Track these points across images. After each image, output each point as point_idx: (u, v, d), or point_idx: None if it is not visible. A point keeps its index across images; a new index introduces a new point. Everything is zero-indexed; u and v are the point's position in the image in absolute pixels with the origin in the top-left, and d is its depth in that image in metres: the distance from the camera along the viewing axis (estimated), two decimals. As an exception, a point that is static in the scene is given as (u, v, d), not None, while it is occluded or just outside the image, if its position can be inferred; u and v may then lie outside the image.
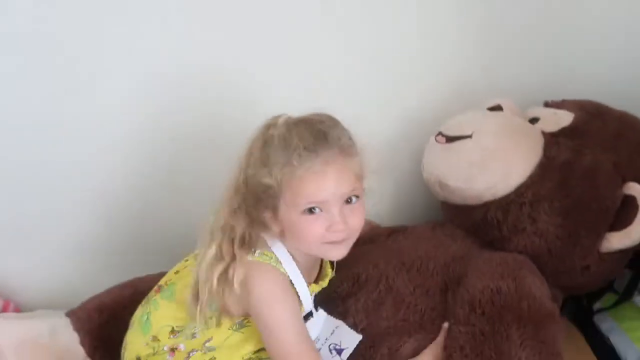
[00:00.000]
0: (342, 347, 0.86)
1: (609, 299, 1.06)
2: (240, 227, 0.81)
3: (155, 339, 0.86)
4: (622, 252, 0.92)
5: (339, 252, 0.81)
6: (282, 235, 0.83)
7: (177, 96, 1.09)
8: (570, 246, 0.91)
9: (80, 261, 1.18)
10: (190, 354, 0.84)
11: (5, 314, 1.07)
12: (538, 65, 1.17)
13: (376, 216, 1.21)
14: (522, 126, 0.99)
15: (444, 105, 1.14)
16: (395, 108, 1.18)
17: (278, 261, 0.82)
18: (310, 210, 0.77)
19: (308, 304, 0.85)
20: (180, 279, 0.88)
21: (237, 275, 0.80)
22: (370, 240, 1.07)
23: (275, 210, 0.80)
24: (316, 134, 0.77)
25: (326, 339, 0.87)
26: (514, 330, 0.80)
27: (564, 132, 0.97)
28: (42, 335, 0.97)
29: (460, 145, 0.97)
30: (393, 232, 1.07)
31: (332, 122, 0.80)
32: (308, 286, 0.85)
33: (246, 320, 0.84)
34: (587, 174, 0.92)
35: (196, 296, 0.81)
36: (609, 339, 1.02)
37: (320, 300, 0.91)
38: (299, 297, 0.83)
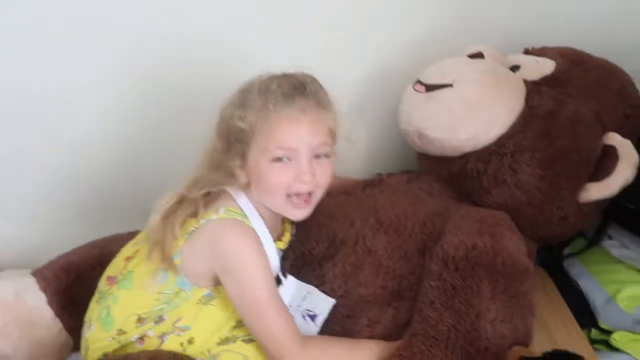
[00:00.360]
0: (315, 312, 0.85)
1: (578, 244, 1.09)
2: (205, 182, 0.80)
3: (120, 332, 0.82)
4: (598, 202, 0.93)
5: (301, 212, 0.81)
6: (247, 188, 0.81)
7: (160, 63, 1.06)
8: (550, 197, 0.91)
9: (50, 221, 1.15)
10: (163, 338, 0.81)
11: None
12: (516, 10, 1.13)
13: (350, 166, 1.19)
14: (504, 75, 0.96)
15: (419, 53, 1.10)
16: (368, 55, 1.14)
17: (245, 216, 0.80)
18: (280, 158, 0.78)
19: (275, 261, 0.83)
20: (137, 266, 0.84)
21: (202, 233, 0.78)
22: (345, 192, 1.04)
23: (244, 157, 0.79)
24: (295, 84, 0.79)
25: (299, 306, 0.85)
26: (485, 284, 0.80)
27: (545, 81, 0.95)
28: (8, 295, 0.93)
29: (441, 94, 0.94)
30: (367, 186, 1.04)
31: (313, 79, 0.80)
32: (274, 242, 0.84)
33: (215, 289, 0.82)
34: (570, 124, 0.90)
35: (161, 251, 0.79)
36: (577, 283, 1.05)
37: (295, 264, 0.90)
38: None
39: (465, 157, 0.94)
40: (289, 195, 0.80)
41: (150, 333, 0.82)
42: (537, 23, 1.13)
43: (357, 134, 1.19)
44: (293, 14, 1.08)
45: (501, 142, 0.92)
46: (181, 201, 0.81)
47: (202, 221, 0.79)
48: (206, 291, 0.81)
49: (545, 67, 0.97)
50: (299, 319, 0.84)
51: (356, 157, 1.21)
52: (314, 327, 0.84)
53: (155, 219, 0.80)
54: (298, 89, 0.78)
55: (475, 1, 1.12)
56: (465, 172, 0.95)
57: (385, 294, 0.85)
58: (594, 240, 1.07)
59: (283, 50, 1.10)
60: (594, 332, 1.01)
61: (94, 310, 0.86)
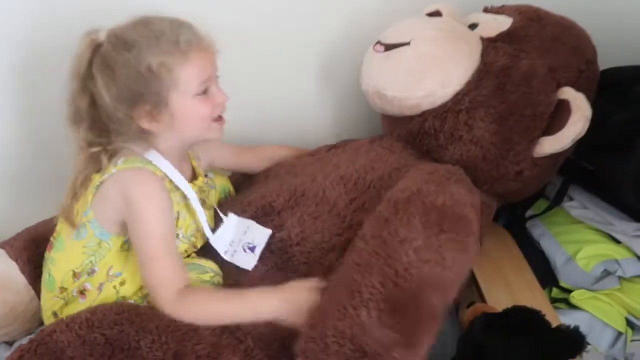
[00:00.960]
0: (254, 244, 0.88)
1: (540, 205, 1.09)
2: (113, 145, 0.82)
3: (62, 289, 0.86)
4: (554, 157, 0.93)
5: (221, 130, 0.87)
6: (156, 140, 0.83)
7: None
8: (504, 152, 0.91)
9: (9, 196, 1.14)
10: (101, 289, 0.84)
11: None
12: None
13: (318, 132, 1.19)
14: (461, 32, 0.96)
15: (385, 14, 1.08)
16: (334, 19, 1.13)
17: (145, 161, 0.82)
18: (204, 91, 0.82)
19: (190, 193, 0.86)
20: (63, 227, 0.87)
21: (106, 186, 0.81)
22: (310, 154, 1.05)
23: (156, 107, 0.80)
24: (172, 20, 0.81)
25: (240, 240, 0.88)
26: (417, 218, 0.77)
27: (502, 37, 0.95)
28: None
29: (398, 53, 0.94)
30: (332, 148, 1.05)
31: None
32: (188, 182, 0.87)
33: None
34: (523, 79, 0.90)
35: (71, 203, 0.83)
36: (539, 243, 1.06)
37: (256, 215, 0.91)
38: (178, 189, 0.84)
39: (423, 115, 0.95)
40: (214, 119, 0.85)
41: (88, 286, 0.85)
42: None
43: (324, 97, 1.20)
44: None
45: (457, 99, 0.92)
46: (87, 162, 0.83)
47: (105, 176, 0.82)
48: (125, 238, 0.84)
49: (502, 24, 0.97)
50: (240, 252, 0.88)
51: (324, 123, 1.21)
52: (253, 258, 0.87)
53: (69, 181, 0.84)
54: (181, 23, 0.81)
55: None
56: (424, 130, 0.95)
57: (342, 242, 0.85)
58: (555, 201, 1.07)
59: (247, 12, 1.10)
60: (555, 291, 1.02)
61: (43, 277, 0.90)
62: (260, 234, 0.88)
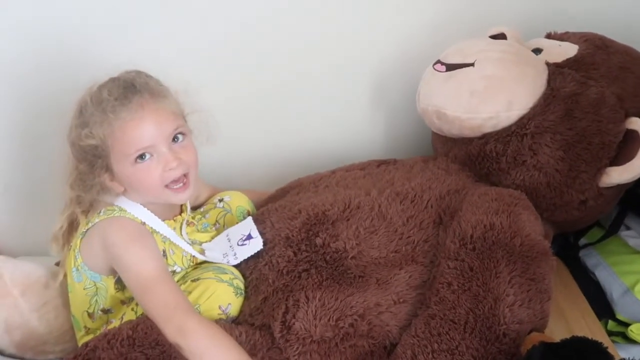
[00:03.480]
0: (246, 234, 0.89)
1: (595, 233, 1.07)
2: (81, 197, 0.83)
3: (87, 328, 0.87)
4: (619, 188, 0.92)
5: (184, 195, 0.84)
6: (126, 193, 0.84)
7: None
8: (570, 180, 0.90)
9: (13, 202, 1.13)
10: (122, 318, 0.84)
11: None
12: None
13: (368, 147, 1.18)
14: (526, 55, 0.95)
15: (438, 36, 1.09)
16: (386, 39, 1.13)
17: (122, 210, 0.83)
18: (141, 157, 0.80)
19: (167, 231, 0.86)
20: (67, 268, 0.88)
21: (91, 234, 0.82)
22: (360, 168, 1.04)
23: (110, 170, 0.81)
24: (124, 85, 0.80)
25: (231, 247, 0.89)
26: (503, 267, 0.80)
27: (568, 63, 0.94)
28: (43, 277, 0.94)
29: (462, 73, 0.93)
30: (382, 164, 1.04)
31: (138, 72, 0.83)
32: (165, 221, 0.86)
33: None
34: (592, 107, 0.89)
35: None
36: (594, 273, 1.03)
37: (308, 222, 0.89)
38: (158, 232, 0.85)
39: (484, 137, 0.93)
40: (166, 186, 0.82)
41: (112, 321, 0.85)
42: (558, 8, 1.11)
43: (376, 116, 1.19)
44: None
45: (522, 123, 0.91)
46: (72, 222, 0.86)
47: (90, 224, 0.83)
48: (115, 278, 0.84)
49: (568, 50, 0.96)
50: (240, 249, 0.88)
51: (375, 141, 1.20)
52: (256, 240, 0.88)
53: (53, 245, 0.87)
54: (128, 88, 0.80)
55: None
56: (484, 153, 0.94)
57: (398, 258, 0.85)
58: (611, 230, 1.05)
59: (300, 31, 1.10)
60: (611, 324, 0.99)
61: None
62: (244, 226, 0.89)
